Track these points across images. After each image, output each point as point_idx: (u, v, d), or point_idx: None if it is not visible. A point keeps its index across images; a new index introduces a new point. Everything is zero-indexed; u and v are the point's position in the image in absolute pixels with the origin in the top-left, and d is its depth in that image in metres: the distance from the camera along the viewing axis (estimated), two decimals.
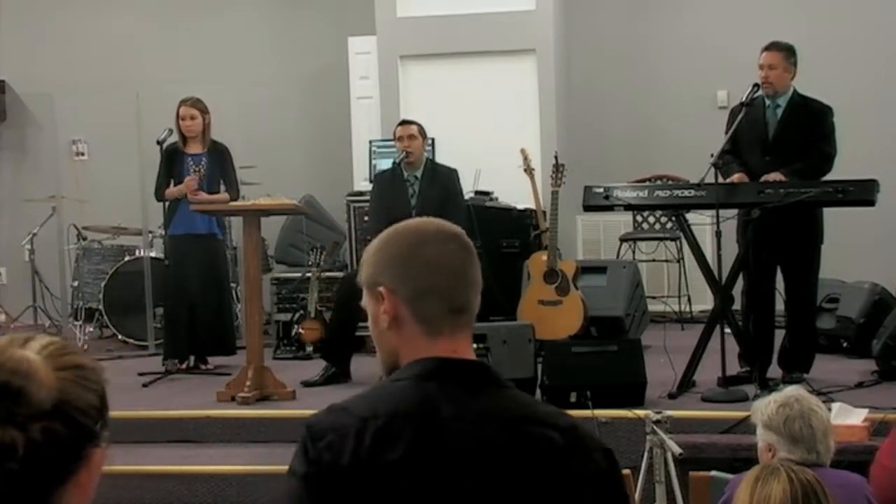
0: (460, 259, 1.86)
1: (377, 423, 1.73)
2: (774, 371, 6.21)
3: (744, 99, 6.16)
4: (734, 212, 6.25)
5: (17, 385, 1.31)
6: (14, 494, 1.31)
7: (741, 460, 4.77)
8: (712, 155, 5.96)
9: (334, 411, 1.80)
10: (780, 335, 6.33)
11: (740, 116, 6.14)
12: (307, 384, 6.64)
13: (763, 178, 6.01)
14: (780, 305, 6.30)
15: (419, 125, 7.09)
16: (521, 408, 1.81)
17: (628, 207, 6.47)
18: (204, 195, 7.15)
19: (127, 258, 8.61)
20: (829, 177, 6.07)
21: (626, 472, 4.45)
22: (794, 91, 6.23)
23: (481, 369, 1.85)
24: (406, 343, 1.84)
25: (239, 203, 7.10)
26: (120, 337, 8.48)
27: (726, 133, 6.25)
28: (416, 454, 1.72)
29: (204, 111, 7.25)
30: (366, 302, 1.90)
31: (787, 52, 6.19)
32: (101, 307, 8.50)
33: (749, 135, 6.21)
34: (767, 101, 6.20)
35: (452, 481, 1.73)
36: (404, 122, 7.19)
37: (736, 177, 6.06)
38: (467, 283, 1.86)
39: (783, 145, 6.17)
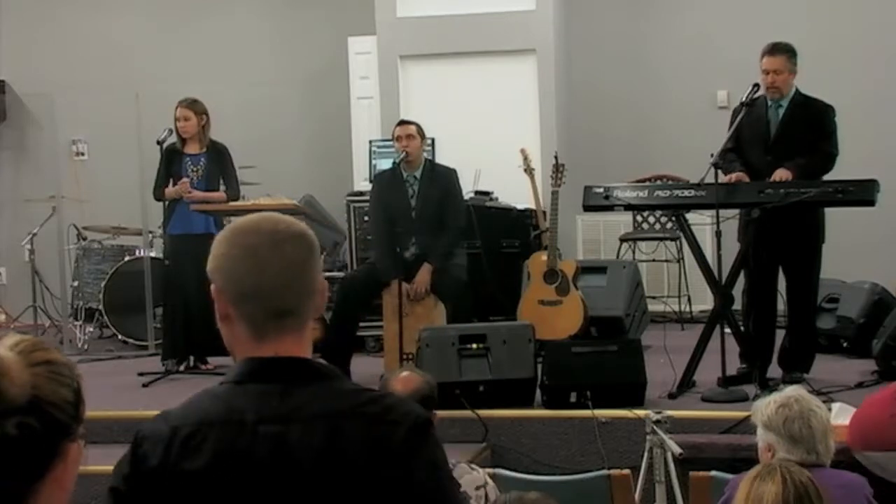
0: (292, 262, 1.83)
1: (185, 432, 1.77)
2: (775, 371, 6.21)
3: (744, 99, 6.17)
4: (734, 212, 6.26)
5: None
6: None
7: (741, 460, 4.77)
8: (712, 155, 5.95)
9: (158, 418, 1.83)
10: (780, 335, 6.33)
11: (740, 116, 6.14)
12: None
13: (772, 178, 6.01)
14: (780, 305, 6.30)
15: (418, 125, 7.09)
16: (334, 403, 1.78)
17: (628, 207, 6.47)
18: (198, 193, 7.15)
19: (127, 258, 8.62)
20: (829, 177, 6.07)
21: (625, 472, 4.47)
22: (796, 90, 6.23)
23: (298, 366, 1.83)
24: (237, 342, 1.85)
25: (239, 203, 7.11)
26: (120, 337, 8.48)
27: (729, 132, 6.26)
28: (217, 462, 1.74)
29: (199, 112, 7.24)
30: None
31: (789, 53, 6.19)
32: (101, 307, 8.51)
33: (751, 134, 6.21)
34: (769, 101, 6.21)
35: (252, 488, 1.74)
36: (403, 122, 7.19)
37: (734, 176, 6.06)
38: (295, 287, 1.83)
39: (785, 144, 6.17)
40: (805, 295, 6.22)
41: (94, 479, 5.58)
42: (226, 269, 1.83)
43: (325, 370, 1.87)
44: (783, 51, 6.19)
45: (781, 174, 5.99)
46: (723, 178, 6.03)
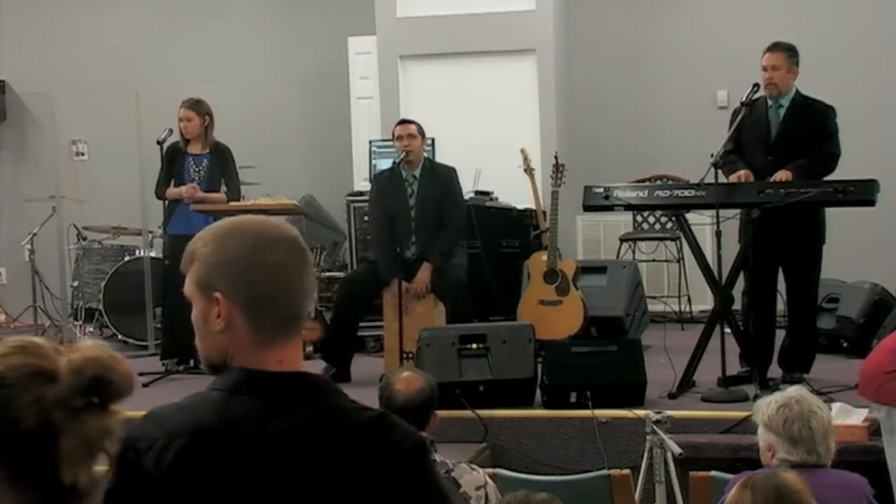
0: (298, 265, 1.81)
1: (180, 442, 1.72)
2: (774, 371, 6.21)
3: (744, 99, 6.17)
4: (735, 211, 6.26)
5: None
6: None
7: (741, 460, 4.78)
8: (712, 155, 5.96)
9: (149, 420, 1.79)
10: (779, 335, 6.33)
11: (741, 116, 6.14)
12: None
13: (772, 178, 6.01)
14: (780, 305, 6.30)
15: (418, 125, 7.09)
16: (331, 423, 1.75)
17: (628, 207, 6.48)
18: (200, 193, 7.15)
19: (127, 258, 8.61)
20: (829, 177, 6.07)
21: (625, 472, 4.47)
22: (797, 91, 6.23)
23: (296, 381, 1.79)
24: (238, 348, 1.79)
25: (239, 203, 7.11)
26: (120, 337, 8.48)
27: (729, 132, 6.26)
28: (212, 475, 1.71)
29: (202, 112, 7.24)
30: (192, 298, 1.83)
31: (789, 52, 6.19)
32: (101, 307, 8.50)
33: (751, 135, 6.21)
34: (770, 101, 6.21)
35: (252, 502, 1.71)
36: (403, 122, 7.19)
37: (742, 174, 6.06)
38: (303, 290, 1.81)
39: (786, 145, 6.17)
40: (805, 295, 6.22)
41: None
42: (235, 276, 1.78)
43: (324, 386, 1.83)
44: (783, 48, 6.20)
45: (782, 175, 5.99)
46: (729, 178, 6.04)
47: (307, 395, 1.78)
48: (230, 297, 1.78)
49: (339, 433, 1.74)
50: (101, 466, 1.57)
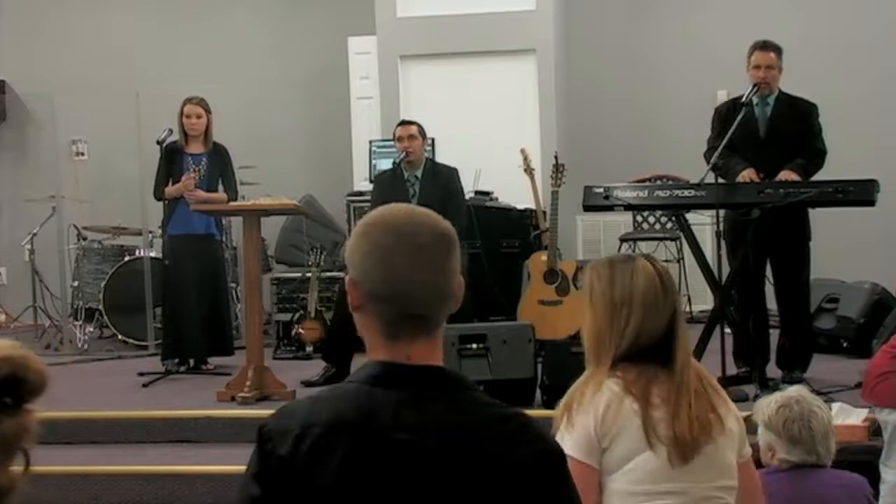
0: (432, 265, 1.80)
1: (316, 431, 1.73)
2: (774, 372, 6.20)
3: (744, 99, 6.18)
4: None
5: None
6: None
7: None
8: (707, 154, 5.97)
9: (283, 414, 1.81)
10: (775, 335, 6.33)
11: (741, 116, 6.14)
12: (307, 384, 6.63)
13: (778, 178, 6.03)
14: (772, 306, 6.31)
15: (419, 125, 7.09)
16: (469, 417, 1.76)
17: (628, 207, 6.47)
18: (201, 193, 7.15)
19: (127, 258, 8.61)
20: (829, 177, 6.07)
21: None
22: (780, 90, 6.29)
23: (433, 375, 1.80)
24: (368, 333, 1.83)
25: (239, 203, 7.11)
26: (120, 337, 8.48)
27: (715, 132, 6.32)
28: (349, 467, 1.72)
29: (208, 111, 7.25)
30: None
31: (779, 51, 6.27)
32: (101, 307, 8.50)
33: (740, 134, 6.19)
34: (755, 100, 6.23)
35: (382, 496, 1.72)
36: (404, 123, 7.19)
37: (746, 172, 6.06)
38: (431, 292, 1.80)
39: (775, 142, 6.20)
40: (797, 293, 6.21)
41: (94, 479, 5.61)
42: (360, 266, 1.81)
43: (459, 380, 1.83)
44: (774, 48, 6.26)
45: (787, 175, 6.01)
46: (736, 179, 6.06)
47: (444, 389, 1.79)
48: (357, 284, 1.81)
49: (474, 427, 1.75)
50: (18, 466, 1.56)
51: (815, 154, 6.20)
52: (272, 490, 1.75)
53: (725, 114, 6.37)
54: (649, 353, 2.67)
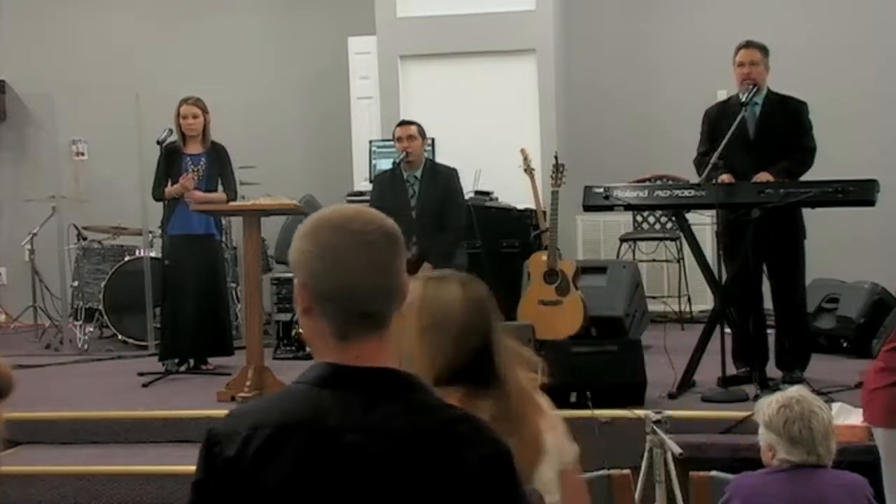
0: (381, 262, 1.79)
1: (265, 433, 1.73)
2: (774, 372, 6.20)
3: (744, 99, 6.18)
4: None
5: None
6: None
7: (741, 460, 4.76)
8: (712, 155, 5.97)
9: (232, 417, 1.80)
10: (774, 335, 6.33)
11: (741, 116, 6.14)
12: None
13: (754, 179, 6.02)
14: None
15: (419, 125, 7.09)
16: (419, 419, 1.75)
17: (628, 207, 6.47)
18: (199, 193, 7.14)
19: (127, 258, 8.61)
20: (829, 177, 6.07)
21: (625, 472, 4.46)
22: (769, 89, 6.28)
23: (383, 377, 1.79)
24: (317, 336, 1.81)
25: (239, 203, 7.11)
26: (120, 337, 8.48)
27: (703, 136, 6.36)
28: (298, 468, 1.71)
29: (204, 110, 7.25)
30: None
31: (764, 49, 6.28)
32: (101, 307, 8.50)
33: (730, 136, 6.18)
34: (743, 100, 6.23)
35: (334, 497, 1.71)
36: (403, 123, 7.19)
37: (725, 177, 6.07)
38: (384, 288, 1.79)
39: (765, 142, 6.20)
40: (793, 293, 6.22)
41: (95, 479, 5.61)
42: (308, 267, 1.79)
43: (410, 382, 1.81)
44: (758, 46, 6.28)
45: (763, 177, 6.01)
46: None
47: (391, 391, 1.78)
48: (306, 286, 1.80)
49: (421, 430, 1.74)
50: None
51: (804, 152, 6.19)
52: (216, 494, 1.75)
53: (714, 116, 6.40)
54: (467, 374, 2.54)
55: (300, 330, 7.79)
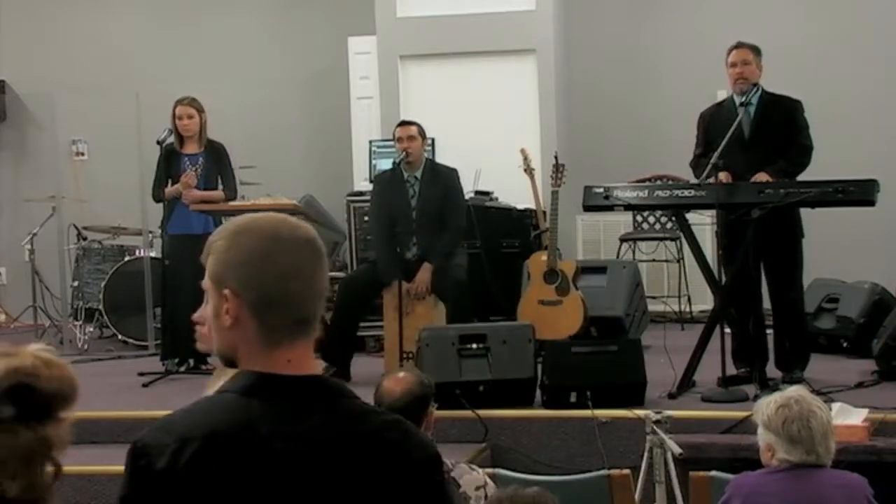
0: (312, 268, 1.80)
1: (194, 445, 1.71)
2: (774, 372, 6.20)
3: (743, 98, 6.19)
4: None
5: None
6: None
7: (741, 460, 4.77)
8: (711, 155, 5.98)
9: (158, 429, 1.77)
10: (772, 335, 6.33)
11: (740, 116, 6.15)
12: None
13: (752, 180, 6.03)
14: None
15: (419, 126, 7.09)
16: (349, 425, 1.75)
17: (628, 207, 6.48)
18: (197, 192, 7.15)
19: (127, 258, 8.62)
20: (829, 177, 6.07)
21: (625, 472, 4.47)
22: (763, 89, 6.27)
23: (311, 384, 1.79)
24: (245, 345, 1.79)
25: (239, 203, 7.11)
26: (120, 337, 8.48)
27: (699, 139, 6.37)
28: (228, 478, 1.70)
29: (200, 110, 7.26)
30: (208, 291, 1.84)
31: (756, 49, 6.28)
32: (101, 307, 8.50)
33: (724, 136, 6.18)
34: (738, 101, 6.23)
35: None
36: (404, 123, 7.19)
37: (723, 176, 6.07)
38: (315, 293, 1.80)
39: (761, 142, 6.20)
40: (791, 292, 6.22)
41: (95, 479, 5.61)
42: (245, 275, 1.77)
43: (337, 388, 1.82)
44: (749, 46, 6.29)
45: (761, 177, 6.01)
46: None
47: (320, 398, 1.77)
48: (239, 295, 1.78)
49: (352, 437, 1.74)
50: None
51: (800, 151, 6.19)
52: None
53: (709, 118, 6.40)
54: None
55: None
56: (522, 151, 7.55)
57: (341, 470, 1.71)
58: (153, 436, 1.75)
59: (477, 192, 8.17)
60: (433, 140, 8.15)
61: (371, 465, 1.72)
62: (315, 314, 1.81)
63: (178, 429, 1.75)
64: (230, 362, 1.83)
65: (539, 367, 5.99)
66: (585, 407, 5.62)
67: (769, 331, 6.31)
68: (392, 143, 7.28)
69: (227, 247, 1.81)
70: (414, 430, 1.81)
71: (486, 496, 3.58)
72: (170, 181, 7.23)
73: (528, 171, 7.48)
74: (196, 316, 2.50)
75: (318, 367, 1.84)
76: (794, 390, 3.49)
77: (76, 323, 8.80)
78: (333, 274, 8.11)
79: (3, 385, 1.47)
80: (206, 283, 1.84)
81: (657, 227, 8.77)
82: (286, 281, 1.77)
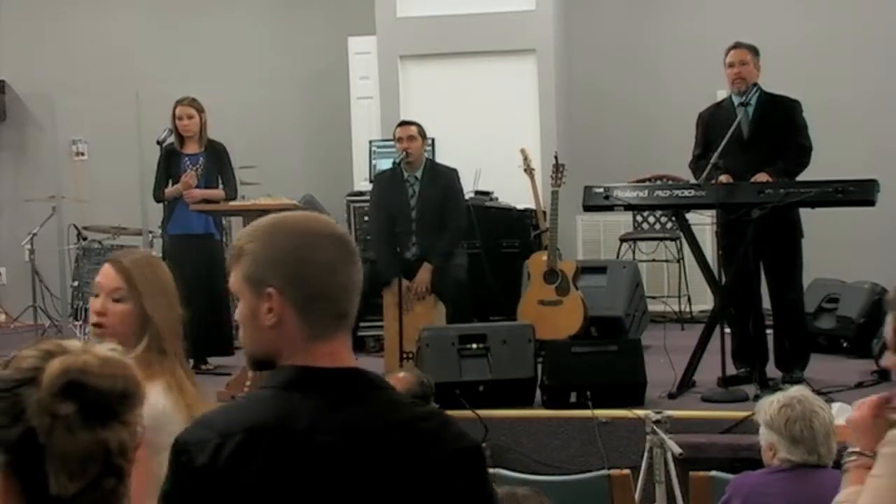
0: (348, 263, 1.84)
1: (236, 439, 1.72)
2: (774, 372, 6.21)
3: (742, 98, 6.19)
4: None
5: None
6: None
7: (741, 460, 4.77)
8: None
9: (198, 425, 1.79)
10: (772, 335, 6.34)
11: (740, 116, 6.15)
12: None
13: (752, 180, 6.03)
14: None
15: (419, 126, 7.09)
16: (388, 417, 1.77)
17: (628, 207, 6.48)
18: (197, 192, 7.15)
19: None
20: (829, 177, 6.07)
21: (625, 472, 4.47)
22: (761, 89, 6.28)
23: (350, 376, 1.81)
24: (287, 343, 1.81)
25: (239, 203, 7.11)
26: None
27: (698, 139, 6.38)
28: (270, 472, 1.71)
29: (200, 110, 7.26)
30: (242, 294, 1.84)
31: (753, 49, 6.29)
32: None
33: (723, 136, 6.19)
34: (736, 101, 6.24)
35: (309, 498, 1.72)
36: (404, 123, 7.19)
37: (723, 177, 6.08)
38: (353, 288, 1.84)
39: (760, 142, 6.21)
40: (791, 292, 6.22)
41: None
42: (288, 272, 1.80)
43: (376, 381, 1.84)
44: (747, 46, 6.31)
45: (761, 178, 6.01)
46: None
47: (360, 391, 1.80)
48: (283, 293, 1.79)
49: (390, 427, 1.76)
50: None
51: (799, 152, 6.20)
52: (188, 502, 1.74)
53: (708, 119, 6.40)
54: None
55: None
56: (522, 151, 7.55)
57: (380, 460, 1.73)
58: (193, 432, 1.77)
59: (477, 192, 8.17)
60: (433, 140, 8.15)
61: (409, 456, 1.74)
62: (353, 308, 1.84)
63: (219, 424, 1.76)
64: (262, 364, 1.84)
65: (539, 367, 5.99)
66: (585, 407, 5.62)
67: (769, 331, 6.32)
68: (392, 143, 7.28)
69: (262, 246, 1.82)
70: (451, 422, 1.82)
71: None
72: (170, 181, 7.23)
73: (528, 171, 7.48)
74: (95, 308, 2.56)
75: (355, 359, 1.86)
76: (796, 390, 3.49)
77: (76, 323, 8.79)
78: None
79: (58, 382, 1.47)
80: (239, 285, 1.84)
81: (657, 227, 8.78)
82: (328, 276, 1.81)
